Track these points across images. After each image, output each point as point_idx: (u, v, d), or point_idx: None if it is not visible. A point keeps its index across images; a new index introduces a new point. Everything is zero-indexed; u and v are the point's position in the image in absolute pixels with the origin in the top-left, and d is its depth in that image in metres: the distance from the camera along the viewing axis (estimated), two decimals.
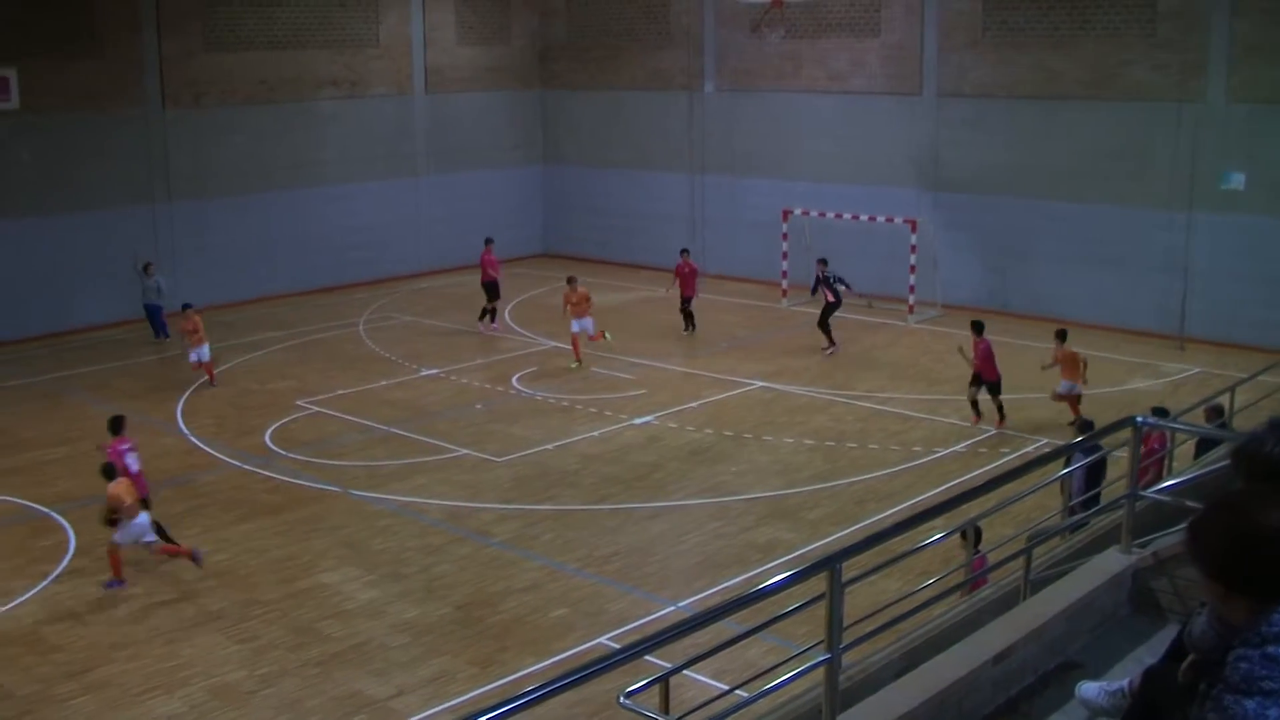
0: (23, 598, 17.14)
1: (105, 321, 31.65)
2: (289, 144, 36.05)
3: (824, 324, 28.99)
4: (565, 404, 25.58)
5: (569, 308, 28.55)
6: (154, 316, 30.64)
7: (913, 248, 32.40)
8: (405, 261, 38.44)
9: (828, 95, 35.29)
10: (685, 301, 31.03)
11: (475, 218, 38.12)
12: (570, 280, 29.17)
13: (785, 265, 34.36)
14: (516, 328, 32.02)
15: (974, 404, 23.54)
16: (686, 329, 31.07)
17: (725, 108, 37.70)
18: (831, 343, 28.98)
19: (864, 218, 33.59)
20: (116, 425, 19.38)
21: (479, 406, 25.62)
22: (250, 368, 28.80)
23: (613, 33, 39.98)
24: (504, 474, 21.69)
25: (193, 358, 26.96)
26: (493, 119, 40.97)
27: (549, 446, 23.02)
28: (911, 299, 32.59)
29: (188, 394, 26.58)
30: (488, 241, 32.55)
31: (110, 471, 17.84)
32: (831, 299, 28.89)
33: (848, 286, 29.41)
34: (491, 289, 31.84)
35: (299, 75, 36.03)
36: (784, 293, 34.48)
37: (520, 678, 14.57)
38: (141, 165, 33.16)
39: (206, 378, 27.11)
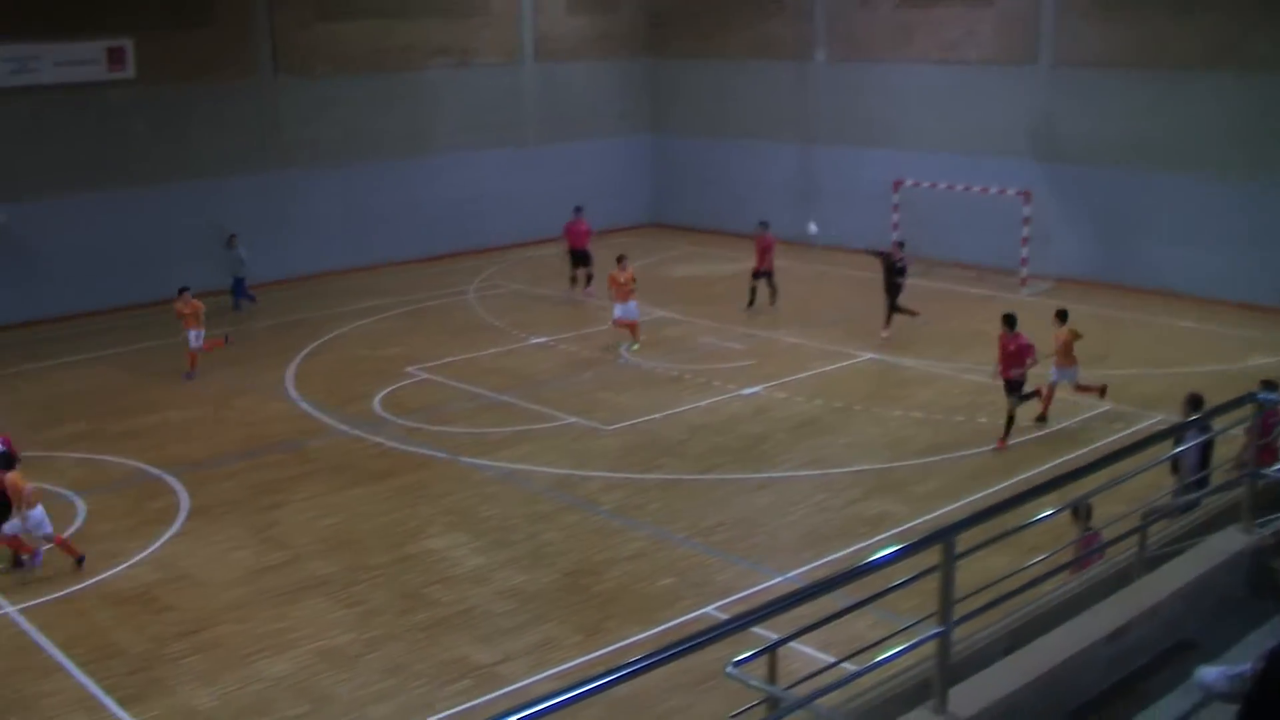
0: (137, 557, 17.48)
1: (218, 288, 31.90)
2: (399, 112, 36.28)
3: (897, 307, 28.01)
4: (674, 374, 25.54)
5: (615, 289, 27.50)
6: (238, 286, 31.07)
7: (1025, 219, 31.94)
8: (514, 230, 38.52)
9: (940, 65, 34.80)
10: (765, 275, 30.52)
11: (583, 187, 37.86)
12: (620, 260, 27.93)
13: (896, 236, 33.96)
14: None
15: (1010, 420, 21.46)
16: (749, 304, 30.58)
17: (836, 77, 37.29)
18: (888, 324, 27.78)
19: (976, 189, 33.13)
20: None
21: (587, 375, 25.67)
22: (360, 334, 29.10)
23: (722, 1, 39.67)
24: (611, 443, 21.72)
25: (195, 342, 25.89)
26: (601, 88, 40.92)
27: (657, 416, 23.01)
28: (1024, 271, 32.12)
29: (297, 360, 26.92)
30: (577, 210, 32.63)
31: (8, 460, 17.33)
32: (900, 281, 28.12)
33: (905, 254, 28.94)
34: (582, 256, 32.15)
35: (409, 44, 36.21)
36: None
37: (625, 646, 14.61)
38: (254, 134, 33.58)
39: (192, 362, 26.19)
